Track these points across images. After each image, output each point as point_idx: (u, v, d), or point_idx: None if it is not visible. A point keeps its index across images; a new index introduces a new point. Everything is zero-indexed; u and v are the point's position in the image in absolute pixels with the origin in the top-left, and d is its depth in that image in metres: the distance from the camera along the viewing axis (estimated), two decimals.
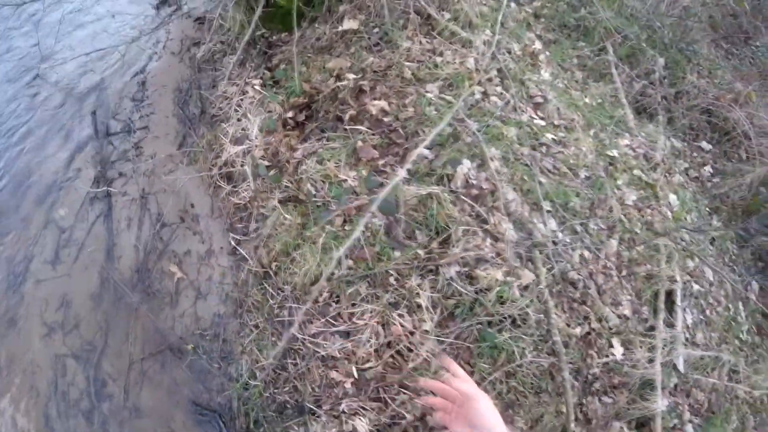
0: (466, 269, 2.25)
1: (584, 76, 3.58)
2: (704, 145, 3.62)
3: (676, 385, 2.46)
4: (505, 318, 2.24)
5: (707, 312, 2.75)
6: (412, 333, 2.25)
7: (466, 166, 2.46)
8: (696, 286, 2.73)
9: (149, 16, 4.16)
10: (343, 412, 2.11)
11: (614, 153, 2.96)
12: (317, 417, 2.13)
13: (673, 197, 2.98)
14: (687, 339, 2.57)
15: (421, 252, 2.27)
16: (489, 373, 2.22)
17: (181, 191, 2.93)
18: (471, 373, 2.20)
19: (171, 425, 2.25)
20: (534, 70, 3.16)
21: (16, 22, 4.23)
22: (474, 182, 2.42)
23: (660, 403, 2.30)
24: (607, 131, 3.10)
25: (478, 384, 2.15)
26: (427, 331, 2.23)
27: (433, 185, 2.34)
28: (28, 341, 2.49)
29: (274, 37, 3.31)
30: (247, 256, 2.58)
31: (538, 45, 3.38)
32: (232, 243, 2.65)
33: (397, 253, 2.29)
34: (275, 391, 2.22)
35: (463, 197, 2.37)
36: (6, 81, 3.81)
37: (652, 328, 2.47)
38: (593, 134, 3.05)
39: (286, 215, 2.54)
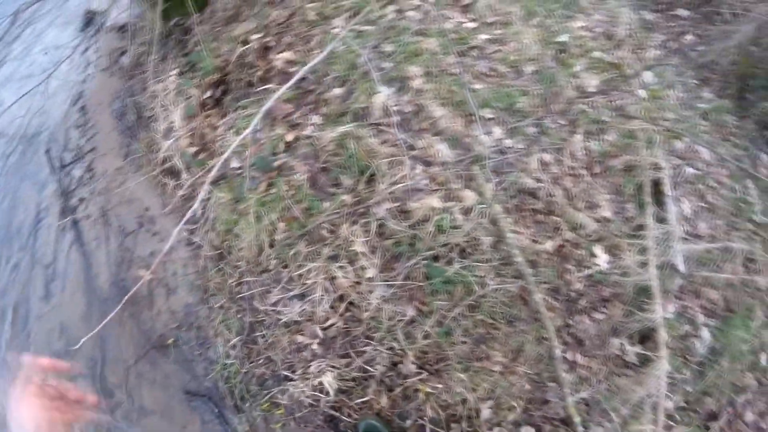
0: (397, 204, 2.12)
1: None
2: (681, 12, 3.19)
3: (681, 287, 2.20)
4: (452, 248, 2.17)
5: (708, 197, 2.41)
6: (358, 283, 2.21)
7: (383, 93, 2.36)
8: (690, 170, 2.41)
9: (77, 40, 4.44)
10: (312, 373, 2.16)
11: (565, 38, 2.67)
12: (293, 382, 2.15)
13: (647, 74, 2.66)
14: (687, 232, 2.28)
15: (347, 197, 2.17)
16: (448, 309, 2.12)
17: (134, 199, 3.00)
18: (430, 312, 2.17)
19: (173, 416, 2.38)
20: None
21: None
22: (395, 108, 2.32)
23: (660, 310, 2.07)
24: (555, 16, 2.78)
25: (441, 324, 2.12)
26: (371, 278, 2.18)
27: (348, 124, 2.24)
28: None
29: (184, 22, 3.27)
30: (200, 242, 2.62)
31: None
32: (186, 234, 2.69)
33: (326, 204, 2.20)
34: (251, 365, 2.27)
35: (384, 128, 2.28)
36: None
37: (641, 227, 2.20)
38: (537, 23, 2.75)
39: (220, 194, 2.56)
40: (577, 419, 1.92)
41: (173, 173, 2.90)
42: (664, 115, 2.54)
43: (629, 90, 2.56)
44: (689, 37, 3.03)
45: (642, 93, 2.60)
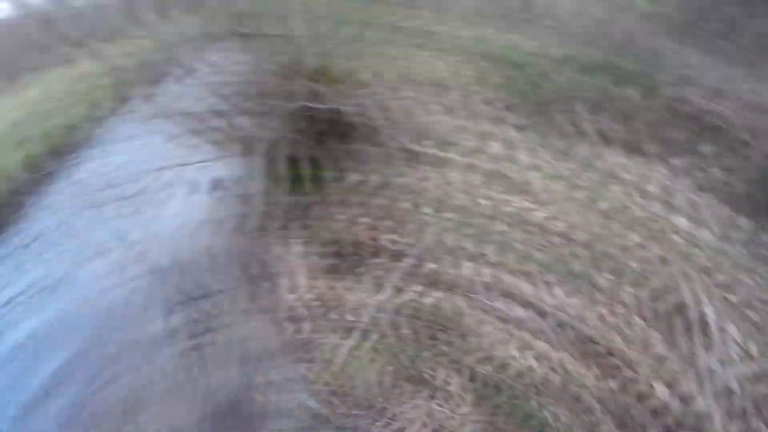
0: (484, 354, 2.96)
1: (565, 143, 4.06)
2: (704, 149, 3.78)
3: (741, 408, 2.59)
4: (530, 387, 2.95)
5: (755, 319, 2.87)
6: (452, 417, 3.00)
7: (466, 266, 3.25)
8: (733, 297, 2.94)
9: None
10: None
11: (605, 204, 3.52)
12: None
13: (681, 220, 3.36)
14: (739, 355, 2.76)
15: (445, 348, 3.03)
16: None
17: (256, 336, 3.86)
18: None
19: None
20: (513, 159, 3.85)
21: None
22: (476, 278, 3.24)
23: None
24: (593, 181, 3.68)
25: None
26: (464, 413, 2.97)
27: (442, 290, 3.16)
28: None
29: (302, 200, 4.21)
30: (314, 378, 3.35)
31: (513, 134, 4.07)
32: (304, 370, 3.44)
33: (426, 353, 3.02)
34: None
35: (471, 295, 3.15)
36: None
37: (694, 357, 2.76)
38: (584, 196, 3.63)
39: (337, 339, 3.49)
40: None
41: (294, 320, 3.90)
42: (703, 252, 3.20)
43: (667, 239, 3.30)
44: (716, 172, 3.67)
45: (677, 239, 3.30)
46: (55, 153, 9.55)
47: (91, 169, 7.42)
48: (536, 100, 4.64)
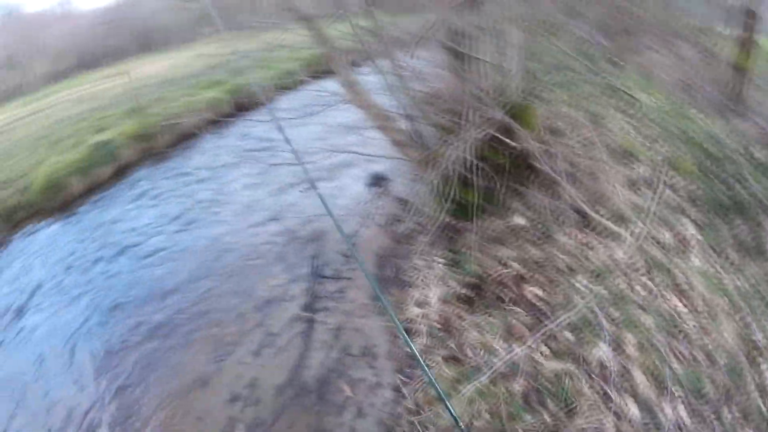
0: None
1: (740, 257, 4.17)
2: None
3: None
4: None
5: None
6: None
7: (601, 349, 3.53)
8: None
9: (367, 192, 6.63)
10: None
11: (759, 337, 3.50)
12: None
13: None
14: None
15: (548, 418, 3.17)
16: None
17: (367, 332, 4.37)
18: None
19: None
20: (683, 257, 3.90)
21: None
22: (606, 364, 3.37)
23: None
24: (757, 314, 3.66)
25: None
26: None
27: (570, 363, 3.43)
28: (212, 399, 4.02)
29: (459, 225, 4.70)
30: (406, 395, 3.73)
31: (690, 230, 4.17)
32: (398, 382, 3.87)
33: (528, 416, 3.24)
34: None
35: (593, 376, 3.34)
36: (258, 218, 6.56)
37: None
38: (739, 318, 3.62)
39: (446, 369, 3.90)
40: None
41: (409, 332, 4.33)
42: None
43: None
44: None
45: None
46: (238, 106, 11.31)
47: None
48: (724, 201, 4.75)
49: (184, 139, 10.81)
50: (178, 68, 17.50)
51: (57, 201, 8.91)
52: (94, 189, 9.29)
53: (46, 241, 7.62)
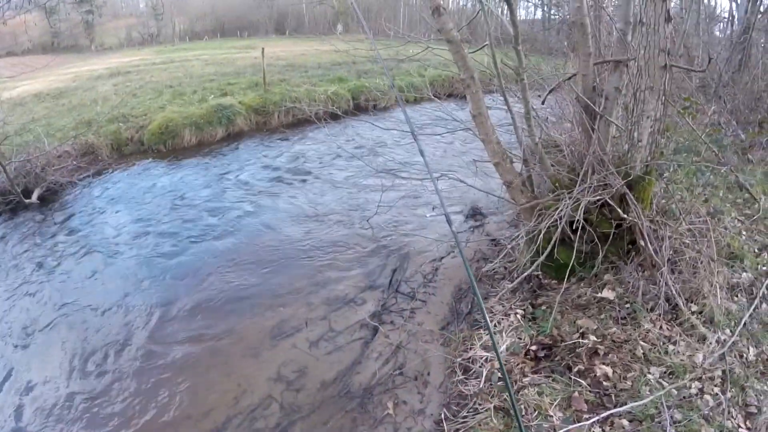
0: None
1: None
2: None
3: None
4: None
5: None
6: None
7: None
8: None
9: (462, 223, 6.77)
10: None
11: None
12: None
13: None
14: None
15: None
16: None
17: (425, 358, 4.41)
18: None
19: None
20: (762, 378, 3.67)
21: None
22: None
23: None
24: None
25: None
26: None
27: None
28: (257, 372, 4.24)
29: (545, 281, 4.71)
30: (446, 430, 3.74)
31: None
32: (442, 416, 3.86)
33: None
34: None
35: None
36: (350, 218, 6.86)
37: None
38: None
39: (494, 419, 3.92)
40: None
41: (467, 371, 4.33)
42: None
43: None
44: None
45: None
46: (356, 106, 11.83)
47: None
48: None
49: (298, 123, 11.40)
50: (305, 56, 18.42)
51: (166, 146, 9.68)
52: (203, 145, 10.00)
53: (145, 179, 8.42)
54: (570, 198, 4.35)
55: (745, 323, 4.12)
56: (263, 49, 13.33)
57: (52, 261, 6.10)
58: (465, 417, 3.81)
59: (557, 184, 4.79)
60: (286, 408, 4.00)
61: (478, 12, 5.05)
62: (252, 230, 6.65)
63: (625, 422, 3.44)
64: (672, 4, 4.07)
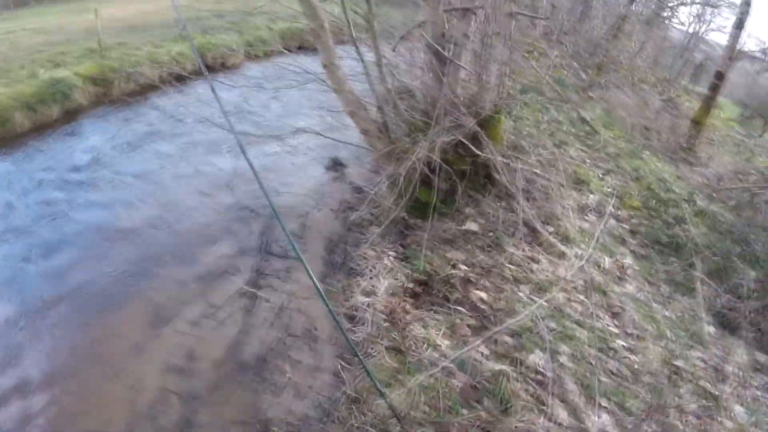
0: None
1: (671, 291, 4.52)
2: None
3: None
4: None
5: None
6: None
7: (537, 356, 3.59)
8: None
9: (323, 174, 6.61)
10: None
11: (680, 363, 3.80)
12: None
13: (738, 408, 3.68)
14: None
15: (483, 414, 3.31)
16: None
17: (310, 315, 4.38)
18: None
19: None
20: (620, 282, 4.19)
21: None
22: (541, 370, 3.45)
23: None
24: (680, 343, 3.96)
25: None
26: None
27: (507, 365, 3.53)
28: (146, 367, 3.87)
29: (411, 221, 4.83)
30: (346, 381, 3.74)
31: (628, 260, 4.46)
32: (338, 367, 3.90)
33: (464, 410, 3.38)
34: None
35: (529, 380, 3.45)
36: (209, 186, 6.32)
37: None
38: (664, 344, 3.92)
39: (388, 359, 3.96)
40: None
41: (352, 319, 4.31)
42: None
43: (718, 419, 3.61)
44: None
45: (729, 423, 3.63)
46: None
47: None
48: (662, 239, 5.11)
49: (143, 90, 10.28)
50: (146, 15, 16.64)
51: None
52: (40, 128, 8.64)
53: None
54: (426, 140, 4.37)
55: (597, 238, 4.47)
56: (97, 10, 11.75)
57: None
58: (360, 362, 3.82)
59: (413, 128, 4.83)
60: (185, 397, 3.73)
61: None
62: (105, 217, 5.94)
63: (506, 338, 3.65)
64: None
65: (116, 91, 10.08)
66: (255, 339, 4.24)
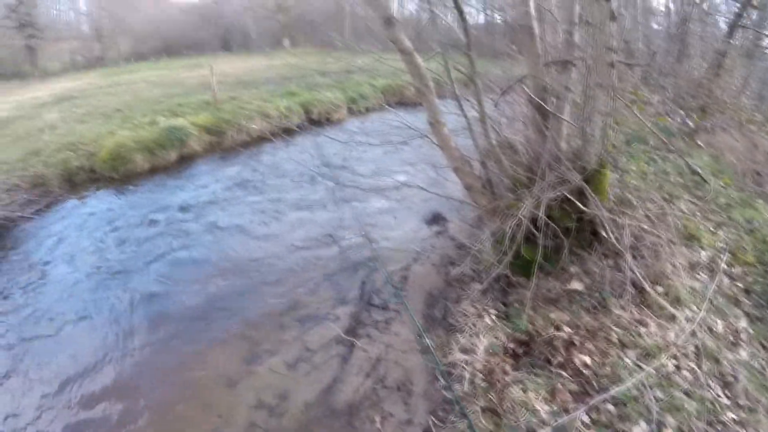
0: None
1: None
2: None
3: None
4: None
5: None
6: None
7: (642, 428, 3.42)
8: None
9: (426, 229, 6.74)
10: None
11: None
12: None
13: None
14: None
15: None
16: None
17: (406, 368, 4.38)
18: None
19: None
20: (733, 348, 3.84)
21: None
22: None
23: None
24: None
25: None
26: None
27: None
28: (237, 400, 4.08)
29: (514, 279, 4.74)
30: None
31: (743, 323, 4.10)
32: (430, 423, 3.85)
33: None
34: None
35: None
36: (313, 236, 6.63)
37: None
38: None
39: (483, 420, 3.87)
40: None
41: (450, 376, 4.35)
42: None
43: None
44: None
45: None
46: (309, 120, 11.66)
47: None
48: None
49: (252, 141, 11.12)
50: (254, 72, 18.04)
51: (119, 173, 9.26)
52: (157, 170, 9.61)
53: (99, 209, 8.07)
54: (531, 196, 4.34)
55: (709, 299, 4.19)
56: (212, 66, 12.94)
57: (18, 297, 5.78)
58: (454, 421, 3.80)
59: (517, 184, 4.81)
60: None
61: (428, 20, 5.00)
62: (214, 255, 6.40)
63: (610, 407, 3.45)
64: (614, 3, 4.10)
65: (228, 141, 10.91)
66: (348, 386, 4.29)
